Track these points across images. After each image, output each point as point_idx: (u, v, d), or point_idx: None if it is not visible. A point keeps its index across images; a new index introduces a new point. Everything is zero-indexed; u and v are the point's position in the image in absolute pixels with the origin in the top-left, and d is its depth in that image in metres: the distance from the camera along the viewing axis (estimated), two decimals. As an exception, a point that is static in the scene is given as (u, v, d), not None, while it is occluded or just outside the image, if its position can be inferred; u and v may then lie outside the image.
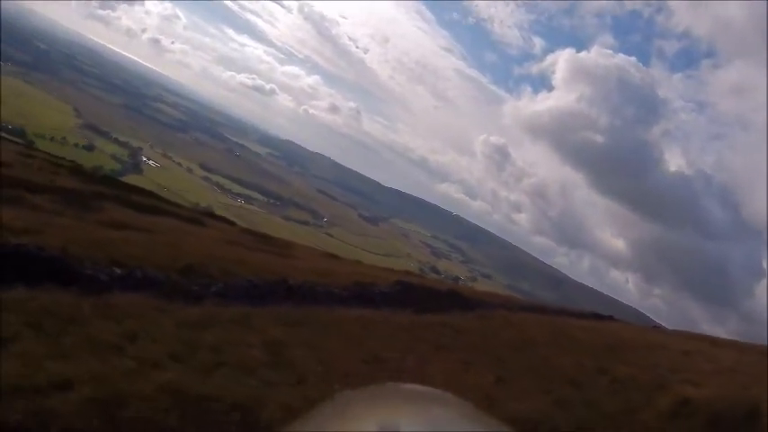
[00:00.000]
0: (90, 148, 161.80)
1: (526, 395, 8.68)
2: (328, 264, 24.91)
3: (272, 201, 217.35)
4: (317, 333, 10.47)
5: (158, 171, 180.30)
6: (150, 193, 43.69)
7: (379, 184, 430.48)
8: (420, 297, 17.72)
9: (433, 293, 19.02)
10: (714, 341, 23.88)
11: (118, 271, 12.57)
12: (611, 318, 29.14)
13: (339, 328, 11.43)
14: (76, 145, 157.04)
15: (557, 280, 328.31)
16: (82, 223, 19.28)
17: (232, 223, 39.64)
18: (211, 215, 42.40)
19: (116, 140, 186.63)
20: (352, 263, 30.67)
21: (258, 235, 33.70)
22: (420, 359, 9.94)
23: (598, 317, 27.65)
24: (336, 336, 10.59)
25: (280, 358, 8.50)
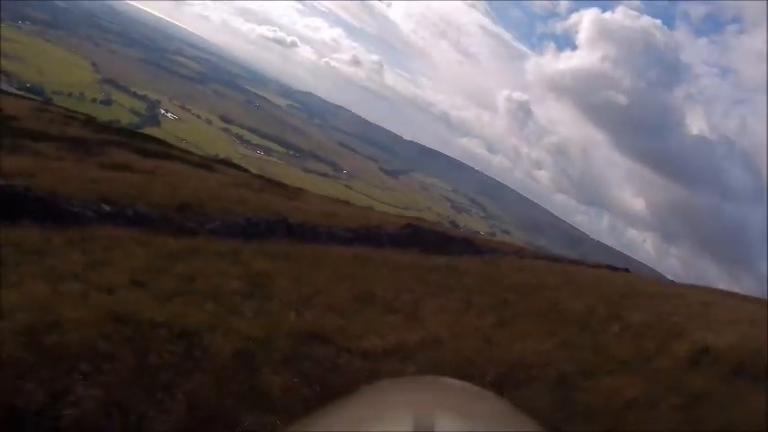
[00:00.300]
0: (108, 102, 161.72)
1: (529, 337, 7.92)
2: (337, 208, 24.20)
3: (291, 152, 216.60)
4: (309, 267, 9.85)
5: (177, 123, 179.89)
6: (162, 142, 43.03)
7: (400, 137, 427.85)
8: (429, 241, 16.98)
9: (443, 238, 18.25)
10: (732, 294, 23.12)
11: (107, 208, 12.32)
12: (626, 270, 28.19)
13: (334, 264, 10.81)
14: (94, 100, 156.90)
15: (575, 238, 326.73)
16: (80, 165, 18.86)
17: (245, 170, 38.85)
18: (224, 162, 41.56)
19: (134, 94, 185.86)
20: (362, 208, 29.98)
21: (268, 180, 32.87)
22: (417, 298, 9.30)
23: (613, 269, 26.67)
24: (329, 271, 9.94)
25: (258, 289, 7.89)
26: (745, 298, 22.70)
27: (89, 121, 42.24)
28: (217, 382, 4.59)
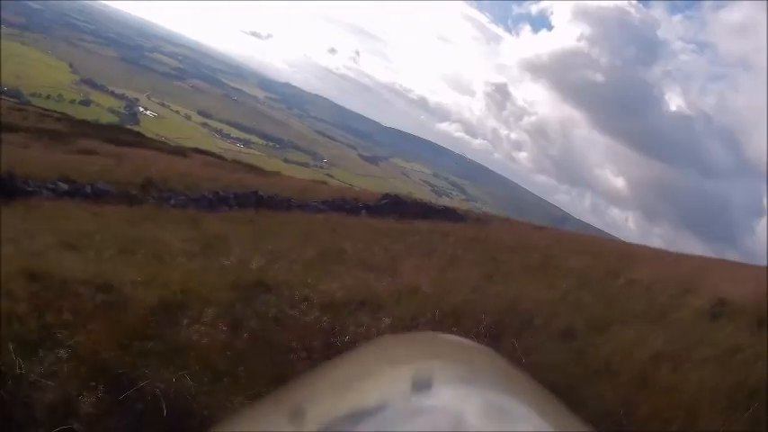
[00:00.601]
0: (86, 103, 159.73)
1: (525, 289, 6.91)
2: (313, 186, 23.16)
3: (271, 144, 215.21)
4: (273, 231, 8.97)
5: (156, 121, 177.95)
6: (136, 133, 42.13)
7: (378, 124, 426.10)
8: (410, 210, 16.00)
9: (424, 207, 17.26)
10: (724, 260, 22.49)
11: (65, 186, 11.96)
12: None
13: (302, 227, 9.94)
14: (73, 101, 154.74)
15: (558, 218, 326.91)
16: (47, 151, 18.84)
17: (220, 157, 37.75)
18: (199, 150, 40.33)
19: (113, 93, 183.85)
20: (340, 186, 28.99)
21: (244, 164, 31.86)
22: (394, 255, 8.33)
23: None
24: (296, 233, 9.04)
25: (210, 249, 7.15)
26: (737, 263, 22.05)
27: (64, 117, 41.51)
28: (124, 334, 3.95)
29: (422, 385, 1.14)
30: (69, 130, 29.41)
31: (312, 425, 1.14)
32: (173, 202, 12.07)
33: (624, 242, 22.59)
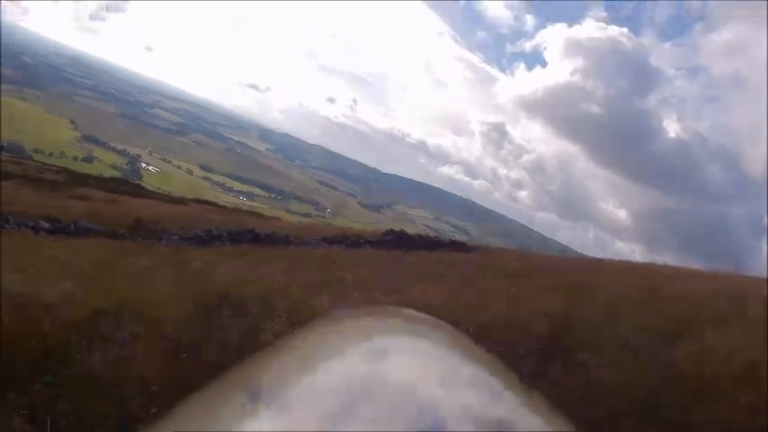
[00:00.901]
0: (89, 159, 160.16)
1: (559, 306, 6.24)
2: (313, 226, 22.51)
3: (273, 195, 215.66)
4: (264, 262, 8.27)
5: (158, 176, 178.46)
6: (136, 185, 41.83)
7: (378, 171, 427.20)
8: (415, 244, 15.25)
9: (430, 241, 16.45)
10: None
11: (45, 224, 11.69)
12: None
13: (297, 259, 9.26)
14: (75, 158, 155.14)
15: (563, 254, 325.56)
16: (38, 196, 18.66)
17: (221, 206, 37.28)
18: (199, 201, 39.89)
19: (114, 150, 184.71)
20: (343, 227, 28.36)
21: (243, 210, 31.36)
22: (398, 281, 7.63)
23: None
24: (288, 265, 8.36)
25: (181, 270, 6.55)
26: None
27: (64, 170, 41.35)
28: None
29: (377, 358, 1.16)
30: (67, 180, 29.11)
31: (268, 405, 1.11)
32: (163, 241, 11.41)
33: (643, 263, 21.76)
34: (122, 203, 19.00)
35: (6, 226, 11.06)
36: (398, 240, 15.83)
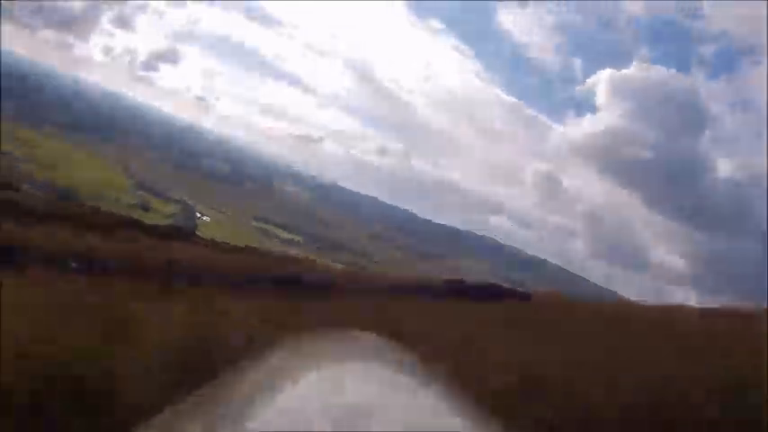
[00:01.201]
0: (145, 207, 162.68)
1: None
2: (363, 274, 21.42)
3: (323, 246, 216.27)
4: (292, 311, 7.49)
5: (212, 225, 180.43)
6: (190, 233, 41.65)
7: (430, 221, 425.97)
8: (481, 294, 14.13)
9: (495, 290, 15.29)
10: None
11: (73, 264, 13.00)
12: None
13: (344, 312, 8.40)
14: (132, 205, 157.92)
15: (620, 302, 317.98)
16: (64, 232, 18.72)
17: (269, 254, 36.64)
18: (240, 249, 39.30)
19: (169, 198, 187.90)
20: (397, 275, 27.27)
21: (290, 258, 30.58)
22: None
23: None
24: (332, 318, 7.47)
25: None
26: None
27: (115, 215, 41.74)
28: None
29: (334, 385, 1.21)
30: (116, 224, 28.95)
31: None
32: (187, 283, 10.68)
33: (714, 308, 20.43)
34: (161, 247, 18.74)
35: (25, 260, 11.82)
36: (461, 289, 14.67)
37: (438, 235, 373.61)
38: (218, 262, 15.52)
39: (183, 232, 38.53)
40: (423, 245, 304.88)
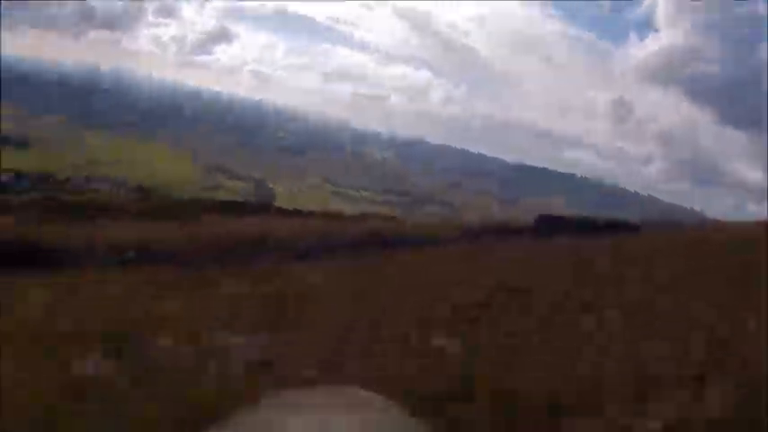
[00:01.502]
0: (215, 188, 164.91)
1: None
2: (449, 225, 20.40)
3: (404, 201, 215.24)
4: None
5: (286, 197, 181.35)
6: (264, 206, 41.32)
7: (505, 162, 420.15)
8: (572, 228, 12.85)
9: (588, 222, 13.92)
10: None
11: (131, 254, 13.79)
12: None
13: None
14: (204, 188, 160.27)
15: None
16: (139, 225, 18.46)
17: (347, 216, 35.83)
18: (324, 213, 38.60)
19: (239, 176, 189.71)
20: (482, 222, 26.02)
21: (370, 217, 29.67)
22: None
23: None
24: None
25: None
26: None
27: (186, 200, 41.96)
28: None
29: None
30: (189, 208, 29.11)
31: None
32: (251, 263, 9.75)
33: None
34: (232, 223, 18.40)
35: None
36: (551, 227, 13.27)
37: (516, 175, 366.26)
38: (296, 229, 14.88)
39: (258, 206, 38.20)
40: (503, 187, 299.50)
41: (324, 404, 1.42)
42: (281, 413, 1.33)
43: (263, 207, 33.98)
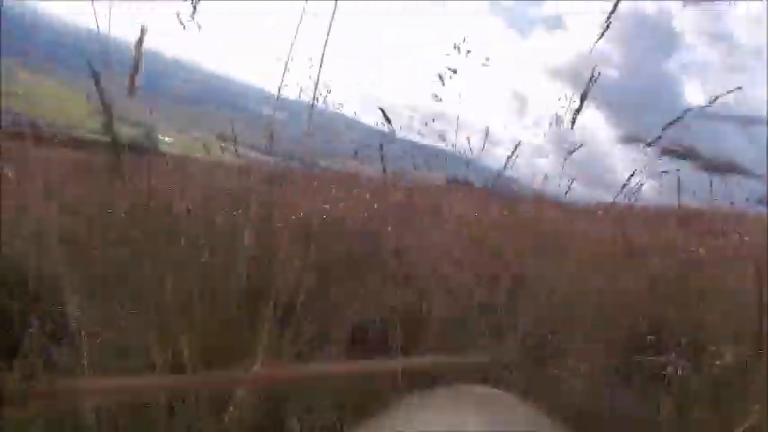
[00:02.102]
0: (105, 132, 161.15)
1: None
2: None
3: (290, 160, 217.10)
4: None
5: (173, 145, 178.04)
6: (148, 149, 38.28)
7: (394, 135, 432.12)
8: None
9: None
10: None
11: None
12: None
13: None
14: (91, 131, 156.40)
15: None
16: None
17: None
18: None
19: (129, 122, 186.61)
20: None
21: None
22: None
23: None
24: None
25: None
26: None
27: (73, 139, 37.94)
28: None
29: None
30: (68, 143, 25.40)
31: None
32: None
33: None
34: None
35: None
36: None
37: (399, 148, 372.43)
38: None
39: (142, 150, 34.63)
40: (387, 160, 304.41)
41: (453, 403, 1.14)
42: (412, 414, 1.05)
43: (148, 152, 30.54)
